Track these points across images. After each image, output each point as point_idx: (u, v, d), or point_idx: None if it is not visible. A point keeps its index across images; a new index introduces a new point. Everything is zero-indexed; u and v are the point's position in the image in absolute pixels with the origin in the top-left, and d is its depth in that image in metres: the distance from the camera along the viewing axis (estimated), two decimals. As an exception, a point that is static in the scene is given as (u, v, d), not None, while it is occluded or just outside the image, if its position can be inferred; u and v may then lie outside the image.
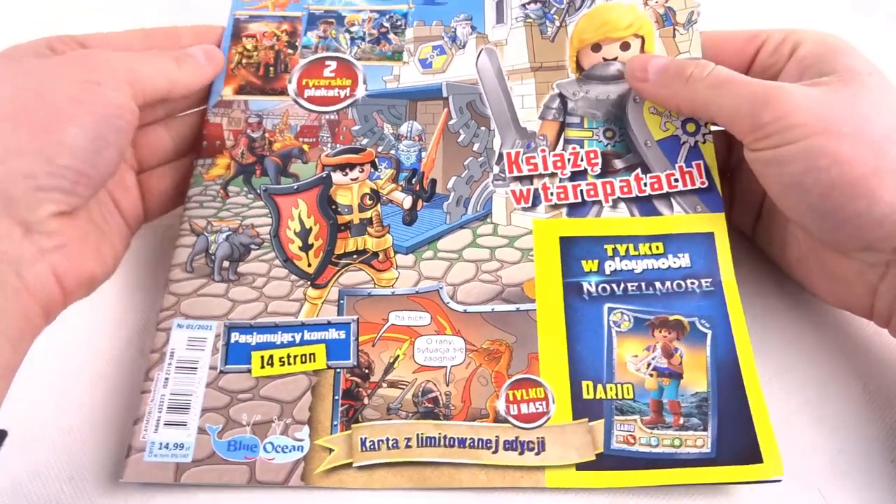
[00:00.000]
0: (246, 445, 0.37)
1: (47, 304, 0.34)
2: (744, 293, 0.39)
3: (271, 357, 0.39)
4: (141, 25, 0.44)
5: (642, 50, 0.44)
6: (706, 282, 0.39)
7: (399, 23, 0.48)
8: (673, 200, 0.41)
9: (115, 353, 0.41)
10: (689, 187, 0.41)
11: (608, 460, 0.36)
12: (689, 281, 0.39)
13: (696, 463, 0.36)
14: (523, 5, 0.47)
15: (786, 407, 0.38)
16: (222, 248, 0.41)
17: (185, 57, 0.42)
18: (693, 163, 0.42)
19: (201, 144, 0.45)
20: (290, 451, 0.37)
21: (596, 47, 0.44)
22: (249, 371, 0.38)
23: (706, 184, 0.41)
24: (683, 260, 0.40)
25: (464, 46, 0.47)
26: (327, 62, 0.46)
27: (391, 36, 0.47)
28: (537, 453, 0.37)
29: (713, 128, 0.43)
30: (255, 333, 0.39)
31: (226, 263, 0.41)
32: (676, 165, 0.42)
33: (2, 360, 0.31)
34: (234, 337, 0.39)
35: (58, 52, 0.39)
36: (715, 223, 0.40)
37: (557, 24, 0.46)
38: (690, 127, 0.42)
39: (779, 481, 0.35)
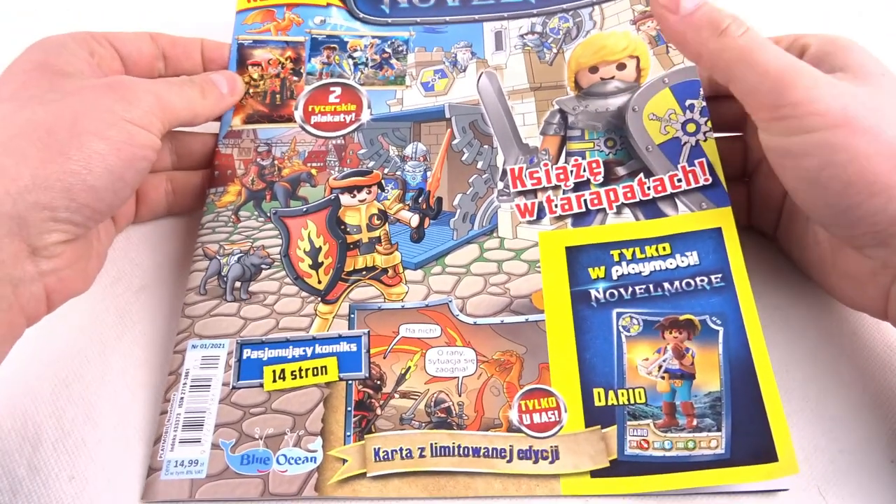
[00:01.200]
0: (259, 458, 0.37)
1: (31, 316, 0.36)
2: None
3: (283, 371, 0.39)
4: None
5: (638, 67, 0.45)
6: (716, 277, 0.39)
7: (401, 48, 0.49)
8: (677, 200, 0.41)
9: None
10: (694, 185, 0.41)
11: (622, 466, 0.36)
12: (698, 279, 0.39)
13: (711, 464, 0.35)
14: (521, 35, 0.48)
15: (786, 406, 0.37)
16: (234, 270, 0.42)
17: (209, 86, 0.44)
18: (696, 161, 0.42)
19: (209, 167, 0.46)
20: (303, 462, 0.37)
21: (593, 69, 0.46)
22: (261, 385, 0.39)
23: (710, 180, 0.41)
24: (692, 258, 0.40)
25: (464, 70, 0.48)
26: (332, 88, 0.47)
27: (393, 61, 0.49)
28: (551, 462, 0.37)
29: (726, 134, 0.43)
30: (266, 349, 0.39)
31: (237, 284, 0.41)
32: (679, 166, 0.42)
33: None
34: (246, 353, 0.39)
35: (95, 54, 0.40)
36: (722, 218, 0.40)
37: (555, 51, 0.47)
38: (690, 127, 0.42)
39: (786, 490, 0.36)
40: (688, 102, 0.43)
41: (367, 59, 0.48)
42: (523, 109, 0.46)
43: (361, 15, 0.50)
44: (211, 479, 0.36)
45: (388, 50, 0.49)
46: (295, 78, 0.48)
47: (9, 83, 0.37)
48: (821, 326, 0.43)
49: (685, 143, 0.42)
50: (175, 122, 0.40)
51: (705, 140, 0.42)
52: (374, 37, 0.49)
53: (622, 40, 0.46)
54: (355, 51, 0.49)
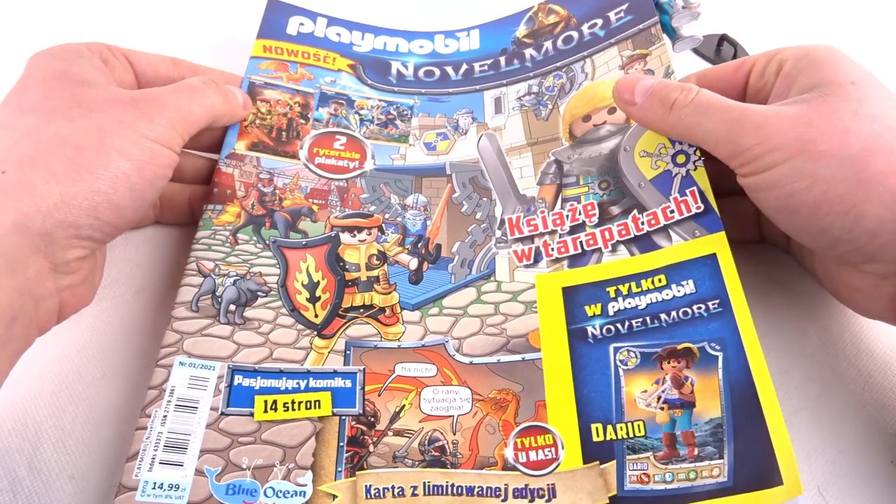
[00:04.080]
0: (245, 490, 0.35)
1: (43, 329, 0.36)
2: (746, 292, 0.38)
3: (275, 402, 0.38)
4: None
5: None
6: (713, 304, 0.38)
7: (405, 112, 0.51)
8: (671, 231, 0.41)
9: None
10: (686, 215, 0.41)
11: (622, 503, 0.35)
12: (695, 307, 0.39)
13: (714, 494, 0.34)
14: (519, 98, 0.51)
15: (786, 407, 0.37)
16: (229, 292, 0.41)
17: (230, 95, 0.45)
18: (687, 191, 0.41)
19: (195, 184, 0.47)
20: (291, 496, 0.35)
21: (586, 117, 0.47)
22: (252, 414, 0.37)
23: (702, 208, 0.41)
24: (688, 287, 0.39)
25: (465, 133, 0.50)
26: (337, 136, 0.49)
27: (398, 122, 0.51)
28: (548, 500, 0.35)
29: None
30: (259, 377, 0.39)
31: (232, 307, 0.41)
32: (671, 197, 0.42)
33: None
34: (238, 379, 0.38)
35: (109, 64, 0.41)
36: (716, 244, 0.40)
37: (550, 107, 0.49)
38: (680, 158, 0.43)
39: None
40: None
41: (373, 118, 0.50)
42: (521, 164, 0.48)
43: (369, 82, 0.52)
44: (192, 505, 0.34)
45: (394, 112, 0.51)
46: (302, 121, 0.49)
47: (30, 93, 0.37)
48: (821, 327, 0.43)
49: (676, 174, 0.42)
50: (195, 130, 0.41)
51: (696, 169, 0.42)
52: (380, 100, 0.52)
53: (612, 86, 0.48)
54: (362, 108, 0.51)
